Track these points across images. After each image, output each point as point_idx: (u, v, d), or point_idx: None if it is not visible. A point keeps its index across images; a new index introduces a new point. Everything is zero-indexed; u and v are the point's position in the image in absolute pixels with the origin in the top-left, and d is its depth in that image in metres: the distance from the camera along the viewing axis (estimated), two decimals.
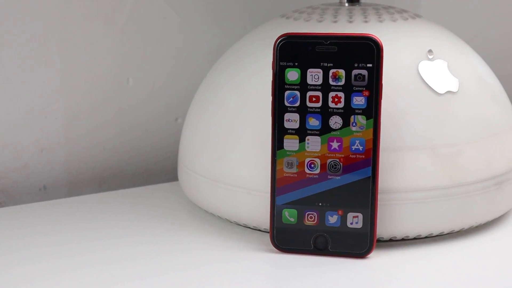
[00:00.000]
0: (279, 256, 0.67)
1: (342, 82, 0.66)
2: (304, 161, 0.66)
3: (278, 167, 0.67)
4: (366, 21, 0.72)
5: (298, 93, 0.66)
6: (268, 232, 0.69)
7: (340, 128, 0.66)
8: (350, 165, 0.66)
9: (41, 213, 0.77)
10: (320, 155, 0.66)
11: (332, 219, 0.66)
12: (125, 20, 0.86)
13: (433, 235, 0.70)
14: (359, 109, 0.66)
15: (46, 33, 0.83)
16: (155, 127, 0.90)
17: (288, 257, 0.67)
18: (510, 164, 0.72)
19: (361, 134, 0.66)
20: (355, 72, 0.65)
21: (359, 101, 0.66)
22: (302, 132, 0.66)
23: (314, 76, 0.66)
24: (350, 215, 0.66)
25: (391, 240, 0.69)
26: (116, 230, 0.73)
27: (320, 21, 0.72)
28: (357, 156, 0.66)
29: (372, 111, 0.65)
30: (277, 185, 0.67)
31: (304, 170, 0.67)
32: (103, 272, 0.65)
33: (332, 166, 0.66)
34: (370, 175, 0.66)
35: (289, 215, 0.67)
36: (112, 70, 0.87)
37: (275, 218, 0.67)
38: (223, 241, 0.70)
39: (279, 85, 0.66)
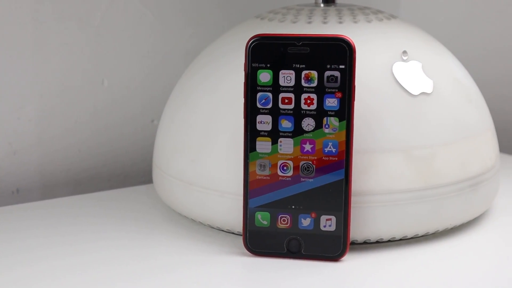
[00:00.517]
0: (252, 260, 0.66)
1: (315, 84, 0.65)
2: (277, 163, 0.66)
3: (250, 170, 0.66)
4: (340, 22, 0.71)
5: (270, 94, 0.66)
6: (241, 235, 0.68)
7: (313, 130, 0.65)
8: (323, 167, 0.65)
9: (14, 217, 0.76)
10: (293, 157, 0.66)
11: (305, 222, 0.66)
12: (100, 20, 0.86)
13: (408, 237, 0.69)
14: (331, 111, 0.65)
15: (19, 33, 0.82)
16: (130, 129, 0.89)
17: (261, 260, 0.66)
18: (485, 166, 0.71)
19: (334, 136, 0.65)
20: (327, 73, 0.65)
21: (331, 103, 0.65)
22: (274, 134, 0.66)
23: (287, 77, 0.65)
24: (323, 218, 0.66)
25: (365, 242, 0.68)
26: (89, 235, 0.72)
27: (295, 22, 0.72)
28: (330, 158, 0.65)
29: (345, 113, 0.65)
30: (250, 188, 0.66)
31: (277, 172, 0.66)
32: (75, 277, 0.64)
33: (305, 169, 0.66)
34: (343, 177, 0.65)
35: (262, 218, 0.66)
36: (87, 71, 0.86)
37: (248, 221, 0.66)
38: (196, 244, 0.70)
39: (251, 87, 0.66)
